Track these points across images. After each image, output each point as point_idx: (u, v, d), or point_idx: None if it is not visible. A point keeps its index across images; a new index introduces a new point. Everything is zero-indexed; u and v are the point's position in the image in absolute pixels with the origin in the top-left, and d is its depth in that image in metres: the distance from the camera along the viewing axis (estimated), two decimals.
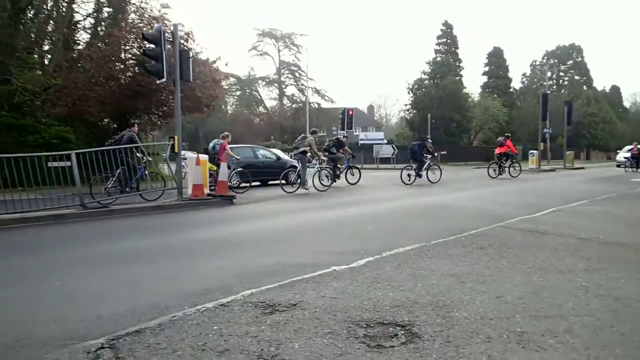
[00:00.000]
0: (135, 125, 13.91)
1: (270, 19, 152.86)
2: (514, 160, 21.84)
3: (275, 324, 3.48)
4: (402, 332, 3.32)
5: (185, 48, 15.42)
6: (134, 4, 19.66)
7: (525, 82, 76.79)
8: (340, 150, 17.85)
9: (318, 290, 4.25)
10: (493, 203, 11.29)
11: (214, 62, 19.33)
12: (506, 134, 23.26)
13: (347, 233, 7.39)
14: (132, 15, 19.52)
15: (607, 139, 66.04)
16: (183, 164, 13.22)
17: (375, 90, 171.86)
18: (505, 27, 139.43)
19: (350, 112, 32.29)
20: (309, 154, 15.23)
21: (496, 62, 64.14)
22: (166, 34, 11.39)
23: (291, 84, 65.81)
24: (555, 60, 77.65)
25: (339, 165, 17.41)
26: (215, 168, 13.82)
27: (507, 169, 21.24)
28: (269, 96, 66.68)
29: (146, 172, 12.48)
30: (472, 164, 41.72)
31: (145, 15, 18.75)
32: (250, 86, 65.03)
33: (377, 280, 4.56)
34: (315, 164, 15.55)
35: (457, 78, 55.13)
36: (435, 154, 21.92)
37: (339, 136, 19.72)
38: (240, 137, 59.04)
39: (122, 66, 17.64)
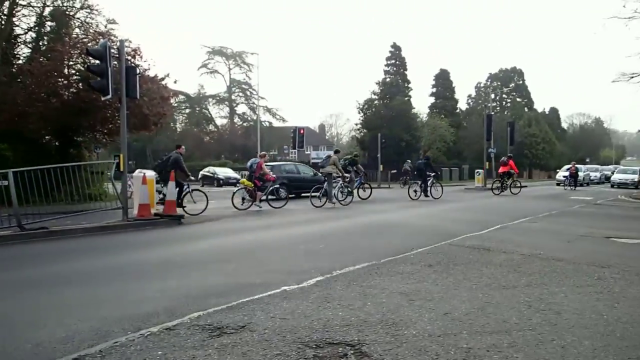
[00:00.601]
0: (182, 147, 14.15)
1: (220, 37, 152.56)
2: (515, 179, 23.43)
3: (222, 347, 3.39)
4: (352, 351, 3.31)
5: (132, 64, 15.09)
6: (79, 18, 19.09)
7: (471, 103, 79.44)
8: (354, 168, 19.14)
9: (267, 311, 4.18)
10: (442, 220, 11.54)
11: (163, 79, 18.94)
12: (509, 155, 25.03)
13: (298, 252, 7.35)
14: (77, 30, 18.91)
15: (547, 158, 69.04)
16: (129, 182, 12.84)
17: (326, 109, 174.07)
18: (451, 50, 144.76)
19: (302, 131, 32.44)
20: (334, 172, 16.51)
21: (443, 83, 66.15)
22: (112, 50, 11.11)
23: (242, 103, 65.42)
24: (499, 83, 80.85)
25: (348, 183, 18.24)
26: (252, 185, 14.80)
27: (508, 186, 22.85)
28: (219, 114, 65.92)
29: (190, 190, 13.51)
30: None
31: (91, 31, 18.19)
32: (200, 104, 64.13)
33: (328, 299, 4.54)
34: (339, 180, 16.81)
35: (406, 98, 56.42)
36: (438, 173, 23.32)
37: (353, 155, 20.95)
38: (189, 156, 58.14)
39: (65, 82, 17.01)
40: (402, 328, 3.75)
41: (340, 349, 3.36)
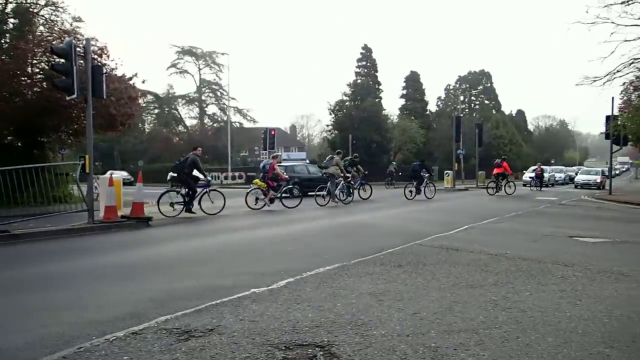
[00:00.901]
0: (199, 149, 14.39)
1: (190, 36, 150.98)
2: (509, 180, 24.52)
3: (190, 350, 3.34)
4: (321, 352, 3.31)
5: (99, 63, 14.77)
6: (43, 16, 18.53)
7: (441, 105, 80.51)
8: (354, 168, 19.86)
9: (236, 314, 4.14)
10: (412, 221, 11.66)
11: (131, 78, 18.56)
12: (503, 157, 26.36)
13: (268, 254, 7.32)
14: (41, 28, 18.36)
15: (514, 159, 70.39)
16: (95, 184, 12.57)
17: (297, 110, 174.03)
18: (421, 52, 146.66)
19: (273, 132, 32.39)
20: (336, 172, 17.41)
21: (413, 85, 66.81)
22: (78, 49, 10.85)
23: (212, 103, 64.80)
24: (467, 85, 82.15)
25: (352, 182, 18.92)
26: (265, 186, 15.25)
27: (503, 187, 23.83)
28: (189, 115, 65.05)
29: (207, 191, 13.82)
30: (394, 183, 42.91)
31: (56, 29, 17.67)
32: (169, 104, 63.24)
33: (297, 301, 4.53)
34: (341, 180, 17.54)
35: (377, 100, 56.85)
36: (432, 173, 25.01)
37: (353, 156, 21.83)
38: (159, 157, 57.36)
39: (28, 81, 16.51)
40: (371, 328, 3.76)
41: (310, 350, 3.35)
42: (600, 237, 9.08)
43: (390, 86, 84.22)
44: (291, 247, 7.85)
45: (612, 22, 23.83)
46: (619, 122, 24.80)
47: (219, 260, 6.93)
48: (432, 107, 75.28)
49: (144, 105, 54.76)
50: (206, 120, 64.40)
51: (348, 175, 18.34)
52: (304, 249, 7.74)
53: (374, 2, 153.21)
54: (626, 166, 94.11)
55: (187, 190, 13.36)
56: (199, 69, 62.73)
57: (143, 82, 20.74)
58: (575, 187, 35.91)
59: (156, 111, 63.35)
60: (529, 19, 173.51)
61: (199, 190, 13.61)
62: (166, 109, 63.21)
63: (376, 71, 60.83)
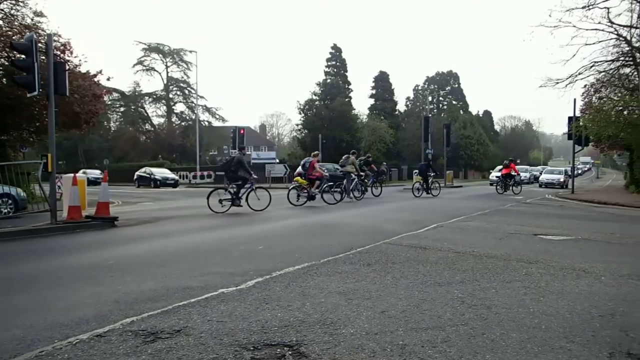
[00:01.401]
0: (245, 148, 15.61)
1: (158, 34, 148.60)
2: (516, 180, 26.05)
3: (157, 352, 3.28)
4: (290, 352, 3.30)
5: (62, 60, 14.39)
6: (3, 10, 17.93)
7: (409, 105, 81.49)
8: (367, 168, 21.69)
9: (204, 315, 4.09)
10: (381, 220, 11.74)
11: (95, 75, 18.16)
12: (510, 158, 28.03)
13: (238, 253, 7.25)
14: (0, 23, 17.83)
15: (481, 159, 71.92)
16: (59, 184, 12.24)
17: (267, 109, 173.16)
18: (391, 53, 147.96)
19: (242, 131, 32.16)
20: (352, 171, 19.19)
21: (382, 85, 67.41)
22: (39, 44, 10.54)
23: (180, 101, 63.88)
24: (436, 86, 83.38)
25: (365, 180, 20.68)
26: (306, 183, 16.43)
27: (511, 187, 25.38)
28: (156, 113, 63.97)
29: (254, 188, 14.74)
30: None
31: (16, 23, 17.17)
32: (135, 102, 62.06)
33: (266, 301, 4.50)
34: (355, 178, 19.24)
35: (347, 100, 57.10)
36: (438, 172, 27.23)
37: (367, 157, 23.95)
38: (125, 156, 56.34)
39: None
40: (340, 327, 3.77)
41: (278, 350, 3.34)
42: (563, 234, 9.33)
43: (360, 86, 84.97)
44: (261, 246, 7.80)
45: (574, 26, 24.65)
46: (580, 123, 25.57)
47: (187, 260, 6.82)
48: (401, 107, 76.17)
49: (110, 103, 53.71)
50: (174, 118, 63.51)
51: (362, 173, 20.07)
52: (274, 248, 7.70)
53: (344, 2, 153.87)
54: (588, 166, 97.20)
55: (235, 187, 14.44)
56: (167, 67, 61.83)
57: (108, 79, 20.37)
58: (540, 186, 36.83)
59: (122, 109, 62.15)
60: (495, 21, 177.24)
61: (245, 187, 14.57)
62: (132, 107, 62.04)
63: (346, 71, 61.10)
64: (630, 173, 29.71)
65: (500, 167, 34.87)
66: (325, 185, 17.08)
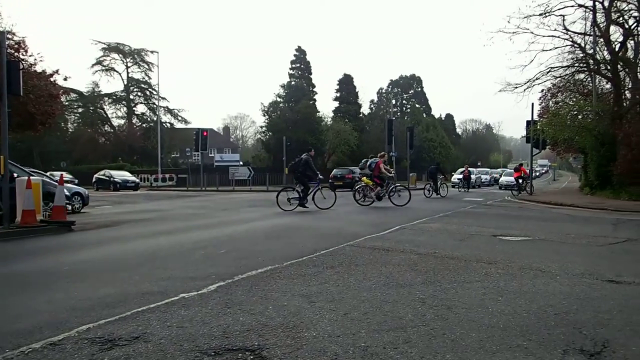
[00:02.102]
0: (312, 150, 16.25)
1: (118, 33, 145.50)
2: (528, 181, 27.57)
3: None
4: (252, 356, 3.26)
5: (15, 58, 13.90)
6: None
7: (373, 108, 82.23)
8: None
9: (164, 320, 4.01)
10: (344, 222, 11.78)
11: (52, 75, 17.62)
12: (520, 162, 29.14)
13: (199, 257, 7.14)
14: None
15: (444, 162, 73.21)
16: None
17: (231, 111, 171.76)
18: (355, 56, 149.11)
19: (205, 133, 31.82)
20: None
21: (347, 88, 67.75)
22: None
23: (141, 103, 62.48)
24: (399, 89, 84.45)
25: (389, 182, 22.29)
26: (372, 183, 16.98)
27: (524, 188, 27.09)
28: (116, 114, 62.26)
29: (320, 188, 15.48)
30: (326, 185, 43.32)
31: None
32: (94, 103, 60.36)
33: (228, 305, 4.45)
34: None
35: (311, 102, 57.24)
36: (447, 175, 30.12)
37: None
38: (83, 158, 54.78)
39: None
40: (302, 330, 3.76)
41: (240, 354, 3.30)
42: (521, 235, 9.57)
43: (325, 88, 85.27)
44: (223, 250, 7.71)
45: (532, 33, 25.40)
46: (538, 127, 26.37)
47: (146, 265, 6.68)
48: (365, 110, 76.75)
49: (67, 103, 52.11)
50: (135, 120, 62.13)
51: (391, 175, 20.89)
52: (237, 251, 7.62)
53: (308, 5, 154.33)
54: (545, 168, 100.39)
55: (302, 187, 15.21)
56: (127, 67, 60.43)
57: (65, 79, 19.72)
58: (500, 188, 37.73)
59: (80, 110, 60.36)
60: (457, 26, 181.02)
61: (312, 187, 15.33)
62: (91, 108, 60.34)
63: (310, 73, 61.25)
64: (585, 175, 30.81)
65: (461, 169, 35.62)
66: (392, 186, 17.52)
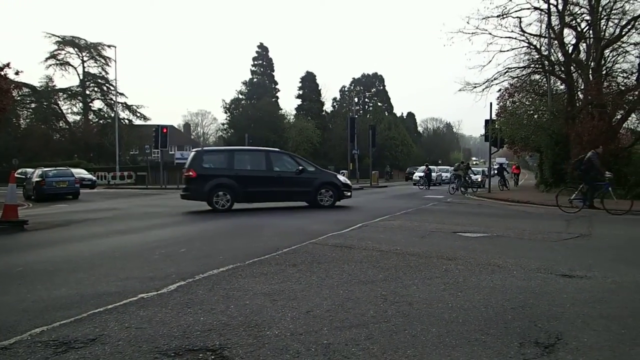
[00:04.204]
0: (600, 147, 15.20)
1: (74, 26, 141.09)
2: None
3: None
4: (213, 356, 3.22)
5: None
6: None
7: (336, 106, 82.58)
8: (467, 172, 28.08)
9: (122, 321, 3.91)
10: (307, 220, 11.78)
11: (2, 69, 16.93)
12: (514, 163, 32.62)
13: (159, 257, 7.00)
14: None
15: (405, 160, 74.21)
16: None
17: (192, 108, 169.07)
18: (318, 53, 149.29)
19: (165, 130, 31.24)
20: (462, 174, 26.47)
21: (309, 86, 67.86)
22: None
23: (98, 98, 60.56)
24: (361, 88, 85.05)
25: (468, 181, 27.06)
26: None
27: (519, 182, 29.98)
28: (71, 110, 60.06)
29: (610, 188, 14.19)
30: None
31: None
32: (48, 98, 58.20)
33: (188, 305, 4.37)
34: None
35: (274, 99, 57.05)
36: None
37: (467, 163, 29.61)
38: (36, 155, 52.83)
39: None
40: (264, 329, 3.73)
41: (201, 354, 3.25)
42: (480, 232, 9.79)
43: (287, 86, 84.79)
44: (183, 249, 7.59)
45: (490, 34, 26.01)
46: (496, 126, 27.01)
47: (103, 265, 6.50)
48: (328, 107, 77.03)
49: (19, 98, 50.12)
50: (91, 116, 60.26)
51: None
52: (197, 250, 7.52)
53: (270, 1, 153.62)
54: (498, 166, 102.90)
55: (585, 188, 14.38)
56: (83, 62, 58.50)
57: (17, 73, 18.85)
58: None
59: (33, 105, 58.09)
60: (419, 25, 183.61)
61: (598, 187, 14.34)
62: (45, 104, 58.16)
63: (273, 70, 61.02)
64: (540, 173, 31.76)
65: (422, 167, 36.22)
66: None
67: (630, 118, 24.43)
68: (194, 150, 16.27)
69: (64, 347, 3.39)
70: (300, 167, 15.29)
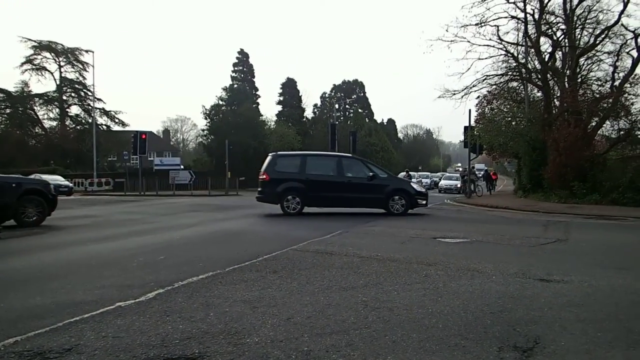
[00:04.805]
0: None
1: (51, 32, 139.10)
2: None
3: None
4: None
5: None
6: None
7: (317, 112, 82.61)
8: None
9: (99, 331, 3.84)
10: (287, 226, 11.76)
11: None
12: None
13: (137, 264, 6.90)
14: None
15: (386, 166, 74.48)
16: None
17: (171, 114, 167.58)
18: (298, 60, 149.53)
19: (144, 136, 30.93)
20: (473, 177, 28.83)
21: (290, 92, 67.79)
22: None
23: (75, 104, 59.37)
24: (342, 94, 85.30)
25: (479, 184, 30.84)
26: None
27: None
28: (47, 116, 58.67)
29: None
30: None
31: None
32: (23, 104, 56.97)
33: (167, 313, 4.32)
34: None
35: (254, 105, 56.82)
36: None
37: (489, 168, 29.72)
38: (11, 161, 51.70)
39: None
40: (244, 336, 3.70)
41: None
42: (459, 237, 9.88)
43: (268, 92, 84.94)
44: (162, 256, 7.49)
45: (468, 41, 26.38)
46: (475, 132, 27.36)
47: (80, 273, 6.37)
48: (309, 114, 77.03)
49: None
50: (68, 122, 59.13)
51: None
52: (176, 257, 7.43)
53: (251, 7, 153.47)
54: (482, 172, 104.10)
55: None
56: (60, 67, 57.48)
57: None
58: (439, 191, 38.83)
59: (8, 111, 56.86)
60: (399, 33, 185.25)
61: None
62: (20, 109, 56.93)
63: (253, 76, 60.85)
64: (519, 179, 32.22)
65: (402, 173, 36.49)
66: None
67: (604, 125, 24.98)
68: (270, 154, 16.37)
69: (39, 357, 3.32)
70: (371, 174, 15.29)
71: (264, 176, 15.20)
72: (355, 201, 15.42)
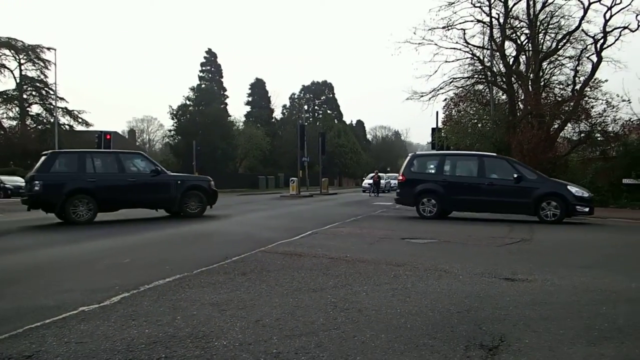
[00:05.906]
0: None
1: (12, 29, 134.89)
2: None
3: None
4: None
5: None
6: None
7: (286, 113, 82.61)
8: None
9: (61, 336, 3.72)
10: (256, 228, 11.69)
11: None
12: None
13: (101, 267, 6.74)
14: None
15: (355, 167, 75.05)
16: None
17: (137, 114, 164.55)
18: (267, 60, 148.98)
19: (108, 137, 30.30)
20: None
21: (259, 92, 67.67)
22: None
23: (36, 103, 57.71)
24: (311, 95, 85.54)
25: None
26: None
27: None
28: (7, 115, 56.70)
29: None
30: (238, 190, 42.86)
31: None
32: None
33: (133, 317, 4.22)
34: None
35: (223, 106, 56.41)
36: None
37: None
38: None
39: None
40: (212, 340, 3.65)
41: None
42: (428, 238, 10.00)
43: (236, 92, 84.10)
44: (128, 259, 7.34)
45: (436, 44, 26.77)
46: (442, 134, 27.78)
47: (42, 276, 6.19)
48: (277, 114, 76.95)
49: None
50: (29, 121, 57.38)
51: None
52: (143, 260, 7.29)
53: (219, 6, 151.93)
54: None
55: None
56: (20, 64, 55.73)
57: None
58: None
59: None
60: (368, 34, 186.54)
61: None
62: None
63: (221, 77, 60.44)
64: None
65: (371, 174, 36.82)
66: None
67: (566, 127, 25.73)
68: (409, 154, 15.95)
69: None
70: (517, 175, 13.80)
71: (401, 177, 14.78)
72: (498, 206, 14.25)
